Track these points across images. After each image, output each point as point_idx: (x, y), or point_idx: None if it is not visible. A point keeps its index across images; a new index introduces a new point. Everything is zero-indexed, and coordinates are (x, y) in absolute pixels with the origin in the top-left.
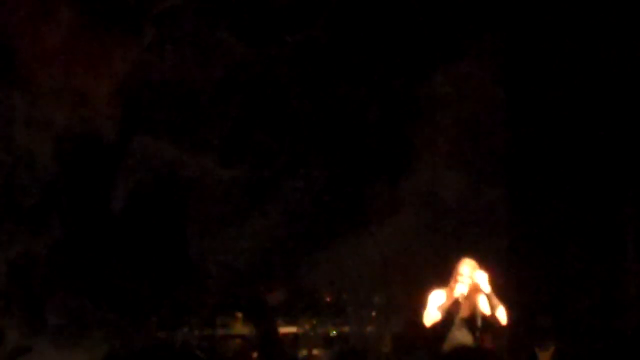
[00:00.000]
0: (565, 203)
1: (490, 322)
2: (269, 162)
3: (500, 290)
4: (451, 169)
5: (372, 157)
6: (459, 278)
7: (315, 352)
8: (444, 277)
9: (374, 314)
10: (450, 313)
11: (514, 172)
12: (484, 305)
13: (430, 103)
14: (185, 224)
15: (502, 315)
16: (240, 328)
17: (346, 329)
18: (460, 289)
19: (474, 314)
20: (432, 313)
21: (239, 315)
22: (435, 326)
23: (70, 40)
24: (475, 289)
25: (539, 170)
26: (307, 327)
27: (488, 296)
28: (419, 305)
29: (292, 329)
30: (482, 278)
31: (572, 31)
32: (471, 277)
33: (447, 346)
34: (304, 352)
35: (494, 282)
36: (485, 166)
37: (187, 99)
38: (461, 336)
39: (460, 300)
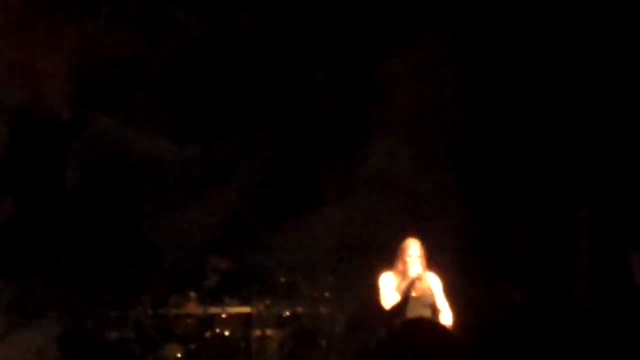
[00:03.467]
0: (518, 184)
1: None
2: (222, 141)
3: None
4: (404, 150)
5: (326, 137)
6: (409, 259)
7: (268, 332)
8: (392, 258)
9: (327, 294)
10: (407, 292)
11: (466, 153)
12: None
13: (384, 84)
14: (138, 202)
15: (447, 319)
16: (193, 307)
17: (300, 309)
18: (415, 269)
19: (424, 292)
20: (390, 295)
21: (192, 294)
22: (393, 307)
23: (23, 16)
24: (423, 268)
25: (492, 151)
26: (260, 307)
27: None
28: (372, 286)
29: (245, 309)
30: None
31: (525, 14)
32: (420, 256)
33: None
34: (257, 333)
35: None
36: (438, 147)
37: (141, 77)
38: (413, 313)
39: (416, 280)
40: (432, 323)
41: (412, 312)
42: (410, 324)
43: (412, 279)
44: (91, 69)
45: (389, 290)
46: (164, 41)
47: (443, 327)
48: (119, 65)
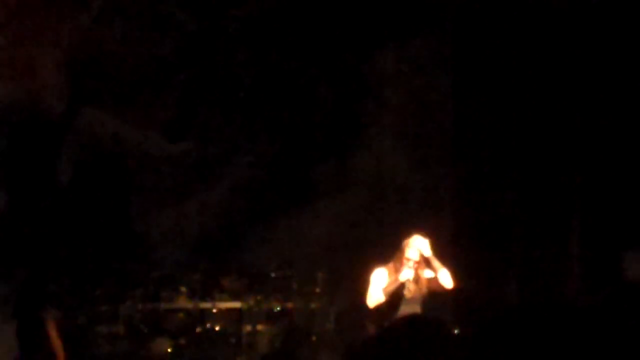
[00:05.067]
0: (511, 183)
1: (434, 286)
2: (216, 137)
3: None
4: (398, 147)
5: (320, 134)
6: (406, 262)
7: (259, 327)
8: (389, 255)
9: (318, 290)
10: (396, 295)
11: (459, 151)
12: (428, 276)
13: (378, 81)
14: (131, 197)
15: (445, 279)
16: (184, 302)
17: (290, 304)
18: (406, 274)
19: (419, 292)
20: (375, 294)
21: (183, 289)
22: (378, 307)
23: (17, 10)
24: (421, 268)
25: (485, 149)
26: (251, 302)
27: (430, 259)
28: (363, 282)
29: (236, 305)
30: (424, 245)
31: (519, 12)
32: (418, 260)
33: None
34: (248, 328)
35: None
36: (432, 145)
37: (135, 72)
38: (406, 311)
39: (405, 284)
40: (429, 320)
41: (404, 310)
42: (406, 320)
43: (400, 283)
44: (84, 64)
45: (376, 289)
46: (157, 37)
47: (441, 323)
48: (113, 61)
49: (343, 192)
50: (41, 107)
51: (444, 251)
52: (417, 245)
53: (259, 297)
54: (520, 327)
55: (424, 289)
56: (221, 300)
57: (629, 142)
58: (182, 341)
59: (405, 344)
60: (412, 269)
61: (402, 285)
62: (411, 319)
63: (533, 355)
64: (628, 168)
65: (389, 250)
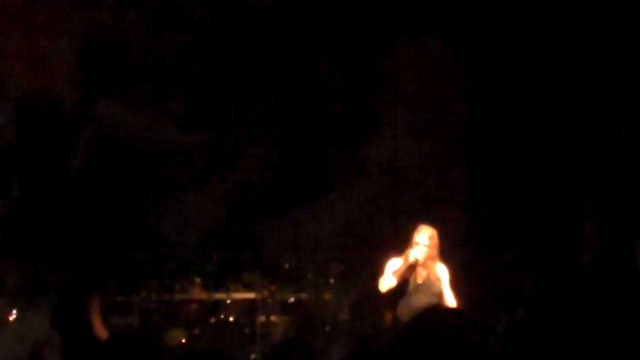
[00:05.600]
0: (524, 174)
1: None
2: (229, 128)
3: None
4: (412, 139)
5: (333, 125)
6: (415, 246)
7: (273, 318)
8: (403, 245)
9: (332, 280)
10: (405, 278)
11: (473, 143)
12: (441, 273)
13: (390, 73)
14: (144, 188)
15: (442, 272)
16: (199, 293)
17: (304, 295)
18: (413, 254)
19: (430, 280)
20: (387, 279)
21: (197, 280)
22: (390, 292)
23: (27, 2)
24: (430, 257)
25: (499, 139)
26: (265, 293)
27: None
28: (377, 272)
29: (250, 295)
30: (433, 234)
31: (533, 5)
32: (427, 244)
33: (405, 310)
34: (262, 318)
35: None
36: (446, 136)
37: (148, 63)
38: (419, 300)
39: (414, 264)
40: (447, 309)
41: (418, 299)
42: (428, 312)
43: (409, 263)
44: (97, 55)
45: (388, 274)
46: (171, 27)
47: (459, 312)
48: (125, 52)
49: (357, 183)
50: (54, 98)
51: (457, 242)
52: (426, 232)
53: (272, 288)
54: (542, 322)
55: (435, 277)
56: (235, 291)
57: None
58: (197, 332)
59: (425, 334)
60: (420, 251)
61: (411, 268)
62: (429, 309)
63: (557, 348)
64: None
65: (402, 242)
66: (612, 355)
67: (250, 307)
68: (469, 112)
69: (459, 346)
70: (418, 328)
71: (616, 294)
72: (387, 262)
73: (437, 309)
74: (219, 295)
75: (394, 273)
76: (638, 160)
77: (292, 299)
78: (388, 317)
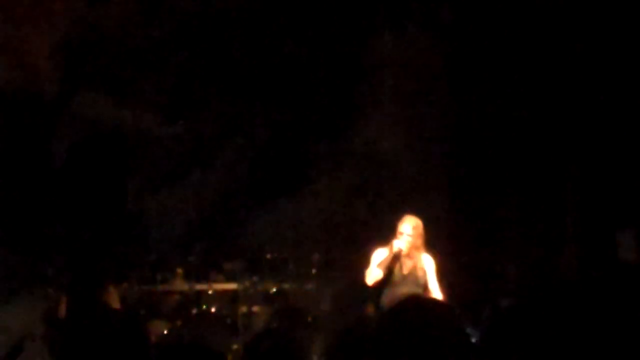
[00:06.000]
0: (506, 160)
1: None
2: (212, 118)
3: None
4: (393, 129)
5: (314, 116)
6: (399, 236)
7: (255, 309)
8: (383, 235)
9: (314, 271)
10: (390, 268)
11: (454, 131)
12: (427, 264)
13: (373, 63)
14: (126, 179)
15: (428, 263)
16: (180, 284)
17: (286, 286)
18: (397, 244)
19: (415, 270)
20: (373, 272)
21: (179, 271)
22: (376, 283)
23: None
24: (415, 247)
25: (482, 130)
26: (247, 284)
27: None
28: (359, 263)
29: (232, 286)
30: (417, 223)
31: (518, 3)
32: (411, 234)
33: (390, 301)
34: (243, 309)
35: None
36: (426, 125)
37: (130, 54)
38: (404, 291)
39: (398, 255)
40: (429, 299)
41: (403, 290)
42: (406, 300)
43: (393, 253)
44: (79, 45)
45: (374, 266)
46: (153, 17)
47: (441, 302)
48: (108, 42)
49: (338, 173)
50: (36, 90)
51: (438, 231)
52: (410, 222)
53: (254, 279)
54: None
55: (420, 267)
56: (217, 281)
57: (622, 125)
58: (178, 323)
59: (406, 323)
60: (405, 241)
61: (395, 258)
62: (411, 298)
63: (541, 338)
64: (625, 146)
65: (384, 232)
66: (596, 344)
67: (232, 298)
68: (453, 103)
69: (439, 334)
70: (398, 317)
71: (598, 284)
72: (371, 253)
73: (418, 297)
74: (201, 286)
75: (379, 265)
76: (619, 152)
77: (274, 290)
78: (371, 307)
